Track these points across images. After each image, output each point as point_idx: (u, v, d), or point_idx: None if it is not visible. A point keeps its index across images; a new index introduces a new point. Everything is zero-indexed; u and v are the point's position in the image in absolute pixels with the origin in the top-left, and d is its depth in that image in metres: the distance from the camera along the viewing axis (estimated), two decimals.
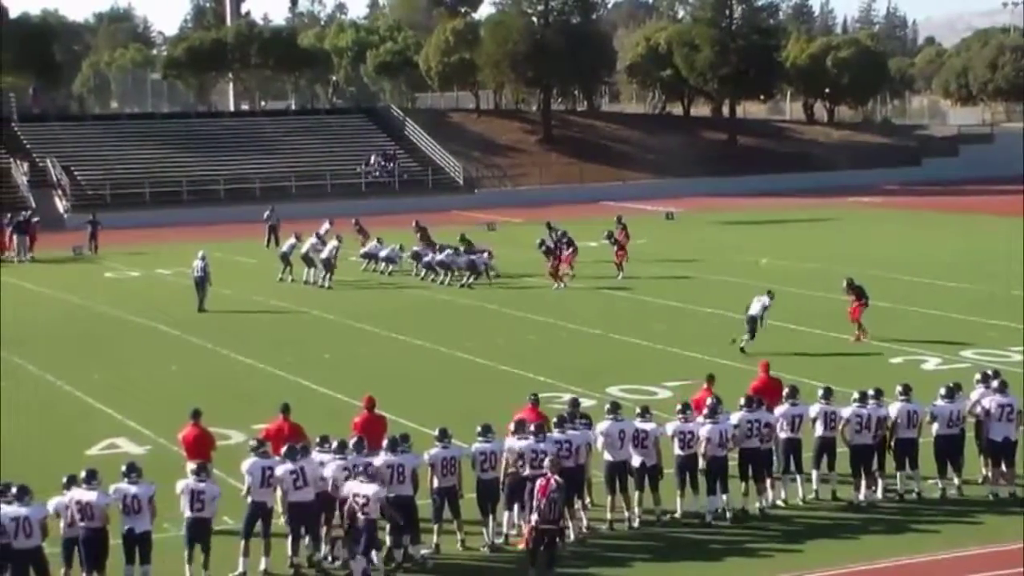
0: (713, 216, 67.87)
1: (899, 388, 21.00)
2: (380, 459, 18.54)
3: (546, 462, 17.99)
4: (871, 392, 20.81)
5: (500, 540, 18.93)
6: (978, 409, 21.11)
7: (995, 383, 21.23)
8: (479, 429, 19.21)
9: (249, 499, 18.24)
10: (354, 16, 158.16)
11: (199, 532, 17.79)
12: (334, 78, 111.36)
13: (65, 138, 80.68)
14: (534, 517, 17.47)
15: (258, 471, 18.16)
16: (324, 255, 45.52)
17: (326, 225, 48.93)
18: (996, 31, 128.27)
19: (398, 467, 18.40)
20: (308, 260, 46.06)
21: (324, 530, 18.55)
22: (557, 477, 17.65)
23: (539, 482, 17.58)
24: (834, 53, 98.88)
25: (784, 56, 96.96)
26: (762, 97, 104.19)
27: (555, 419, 19.87)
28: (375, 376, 29.96)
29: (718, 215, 68.60)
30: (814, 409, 20.79)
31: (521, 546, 18.05)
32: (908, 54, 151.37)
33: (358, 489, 17.74)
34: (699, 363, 30.67)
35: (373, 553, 17.81)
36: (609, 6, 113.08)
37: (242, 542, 18.08)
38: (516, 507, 18.98)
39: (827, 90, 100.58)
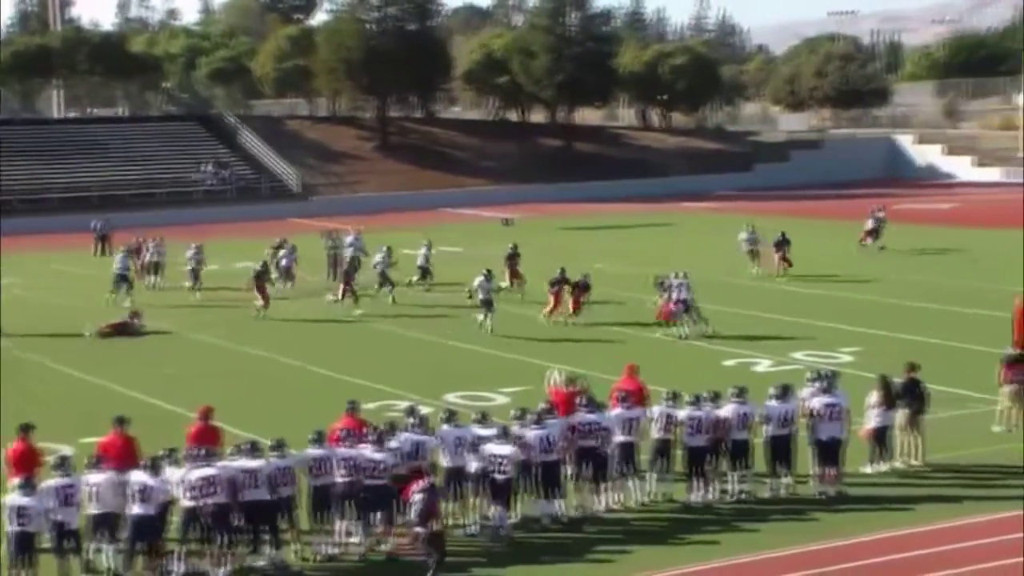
0: (550, 222, 68.26)
1: (733, 390, 21.33)
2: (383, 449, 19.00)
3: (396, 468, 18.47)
4: (706, 395, 21.14)
5: (336, 551, 18.87)
6: (807, 408, 21.52)
7: (822, 383, 21.67)
8: (312, 436, 19.25)
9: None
10: (186, 22, 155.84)
11: (23, 546, 17.39)
12: (166, 84, 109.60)
13: None
14: (418, 528, 17.68)
15: (52, 493, 17.75)
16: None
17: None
18: (823, 39, 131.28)
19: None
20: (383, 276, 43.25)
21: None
22: (425, 480, 17.94)
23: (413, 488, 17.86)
24: (667, 60, 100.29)
25: (619, 63, 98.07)
26: (597, 103, 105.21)
27: (386, 425, 19.85)
28: (212, 389, 29.53)
29: (555, 221, 69.01)
30: (656, 410, 21.03)
31: (403, 553, 18.11)
32: (740, 61, 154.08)
33: (496, 450, 19.22)
34: (538, 369, 30.82)
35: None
36: (445, 13, 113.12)
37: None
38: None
39: (661, 96, 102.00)
